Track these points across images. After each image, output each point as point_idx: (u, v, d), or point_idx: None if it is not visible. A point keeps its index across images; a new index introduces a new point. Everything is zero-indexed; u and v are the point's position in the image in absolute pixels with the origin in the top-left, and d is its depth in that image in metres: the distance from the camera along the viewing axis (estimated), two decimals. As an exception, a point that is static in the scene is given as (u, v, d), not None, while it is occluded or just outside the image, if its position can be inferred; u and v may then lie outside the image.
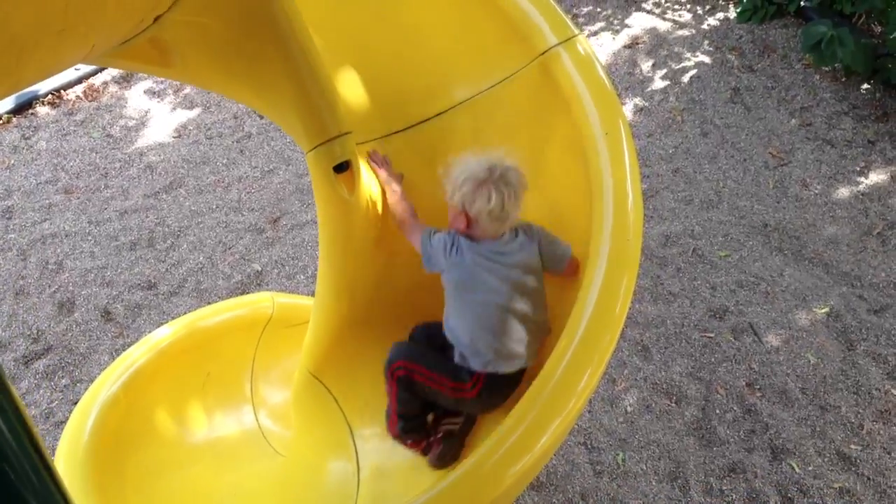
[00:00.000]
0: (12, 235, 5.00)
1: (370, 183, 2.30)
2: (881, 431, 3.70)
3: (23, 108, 6.07)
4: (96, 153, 5.68)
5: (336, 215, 2.20)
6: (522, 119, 2.43)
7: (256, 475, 2.95)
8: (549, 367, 1.94)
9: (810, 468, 3.60)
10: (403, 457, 2.41)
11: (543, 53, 2.26)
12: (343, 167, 2.16)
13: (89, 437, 2.70)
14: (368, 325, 2.53)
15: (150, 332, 3.41)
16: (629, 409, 3.91)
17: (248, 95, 2.13)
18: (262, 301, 3.43)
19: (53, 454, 2.79)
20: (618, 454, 3.74)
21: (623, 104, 5.60)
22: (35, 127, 5.94)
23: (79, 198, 5.29)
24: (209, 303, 4.52)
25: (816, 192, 4.90)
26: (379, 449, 2.48)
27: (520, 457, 1.87)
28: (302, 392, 2.66)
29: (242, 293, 4.55)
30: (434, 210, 2.36)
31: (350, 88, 2.44)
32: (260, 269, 4.69)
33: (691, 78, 5.84)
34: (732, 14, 6.47)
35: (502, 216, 2.15)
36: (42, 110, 6.11)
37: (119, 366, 3.00)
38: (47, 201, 5.26)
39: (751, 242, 4.63)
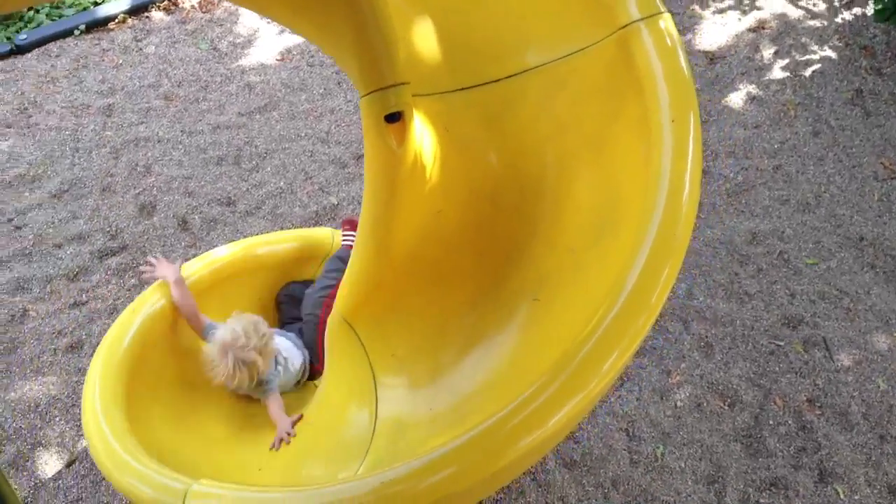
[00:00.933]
0: (109, 133, 5.16)
1: (423, 138, 2.26)
2: (942, 473, 3.52)
3: (139, 10, 6.22)
4: (200, 65, 5.79)
5: (382, 165, 2.19)
6: (594, 92, 2.34)
7: (288, 404, 3.00)
8: (577, 342, 1.89)
9: (856, 497, 3.45)
10: (421, 412, 2.41)
11: (624, 27, 2.16)
12: (395, 117, 2.13)
13: (130, 342, 2.78)
14: (407, 279, 2.52)
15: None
16: (679, 403, 3.81)
17: (310, 30, 2.11)
18: (322, 235, 3.45)
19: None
20: (658, 447, 3.66)
21: (736, 90, 5.39)
22: (148, 30, 6.09)
23: (177, 106, 5.41)
24: (283, 227, 4.59)
25: (924, 211, 4.63)
26: (399, 400, 2.49)
27: (534, 429, 1.84)
28: (334, 335, 2.68)
29: (316, 224, 4.59)
30: (486, 171, 2.32)
31: (422, 39, 2.40)
32: (336, 202, 4.73)
33: (813, 73, 5.55)
34: (870, 11, 6.10)
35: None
36: (156, 15, 6.25)
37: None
38: (147, 105, 5.40)
39: (842, 254, 4.42)
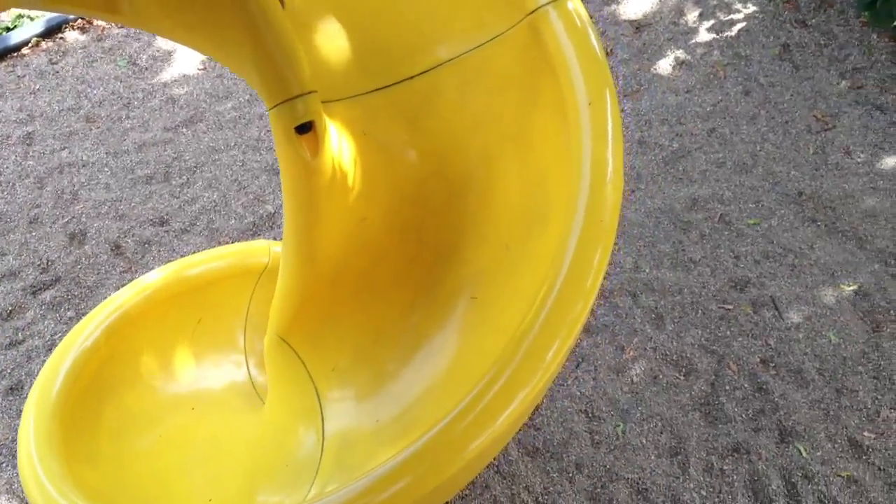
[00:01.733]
0: (31, 162, 5.02)
1: (340, 145, 2.21)
2: (898, 420, 3.57)
3: (52, 31, 6.05)
4: (121, 82, 5.66)
5: (298, 178, 2.13)
6: (510, 82, 2.30)
7: (236, 428, 2.94)
8: (517, 336, 1.86)
9: (818, 454, 3.48)
10: (367, 424, 2.36)
11: (533, 12, 2.12)
12: (306, 128, 2.07)
13: (64, 380, 2.70)
14: (337, 290, 2.47)
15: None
16: (636, 379, 3.82)
17: (207, 47, 2.04)
18: (258, 249, 3.38)
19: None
20: (618, 425, 3.66)
21: (664, 56, 5.40)
22: (63, 52, 5.93)
23: (99, 127, 5.28)
24: (220, 242, 4.51)
25: (859, 160, 4.67)
26: (345, 414, 2.44)
27: (484, 429, 1.80)
28: (272, 353, 2.62)
29: (254, 235, 4.52)
30: (410, 173, 2.27)
31: (329, 42, 2.34)
32: (273, 210, 4.65)
33: (739, 31, 5.57)
34: (790, -36, 6.15)
35: None
36: (71, 35, 6.09)
37: (104, 309, 2.98)
38: (68, 129, 5.26)
39: (783, 211, 4.45)
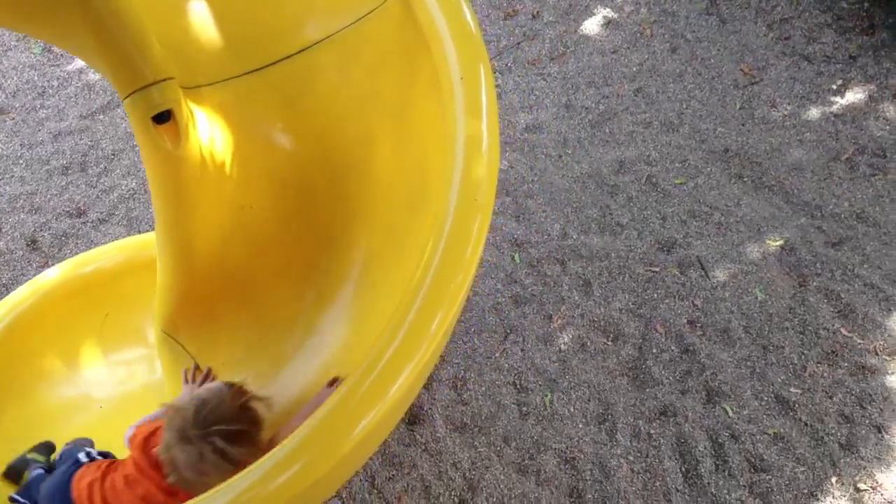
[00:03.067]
0: (-58, 159, 4.92)
1: (212, 132, 2.18)
2: (825, 374, 3.61)
3: (-39, 20, 5.91)
4: (35, 70, 5.55)
5: (161, 169, 2.10)
6: (388, 59, 2.29)
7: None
8: (398, 314, 1.87)
9: (745, 412, 3.53)
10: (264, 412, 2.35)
11: None
12: (165, 117, 2.03)
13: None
14: (220, 282, 2.44)
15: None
16: (563, 347, 3.84)
17: (51, 37, 2.00)
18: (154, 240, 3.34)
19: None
20: (546, 395, 3.69)
21: (591, 16, 5.38)
22: (-27, 41, 5.81)
23: (13, 118, 5.19)
24: (140, 231, 4.46)
25: (785, 113, 4.70)
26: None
27: (374, 405, 1.81)
28: (161, 350, 2.60)
29: (175, 221, 4.47)
30: (291, 158, 2.25)
31: (196, 23, 2.29)
32: (193, 195, 4.60)
33: (666, -14, 5.56)
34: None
35: None
36: (-19, 23, 5.95)
37: None
38: (-20, 122, 5.16)
39: (709, 169, 4.47)
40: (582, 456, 3.47)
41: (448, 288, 1.85)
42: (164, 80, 2.00)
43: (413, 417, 3.70)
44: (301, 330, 2.43)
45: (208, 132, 2.17)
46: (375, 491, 3.49)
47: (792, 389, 3.58)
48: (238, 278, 2.44)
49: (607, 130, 4.75)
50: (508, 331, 3.94)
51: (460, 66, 2.04)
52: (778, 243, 4.09)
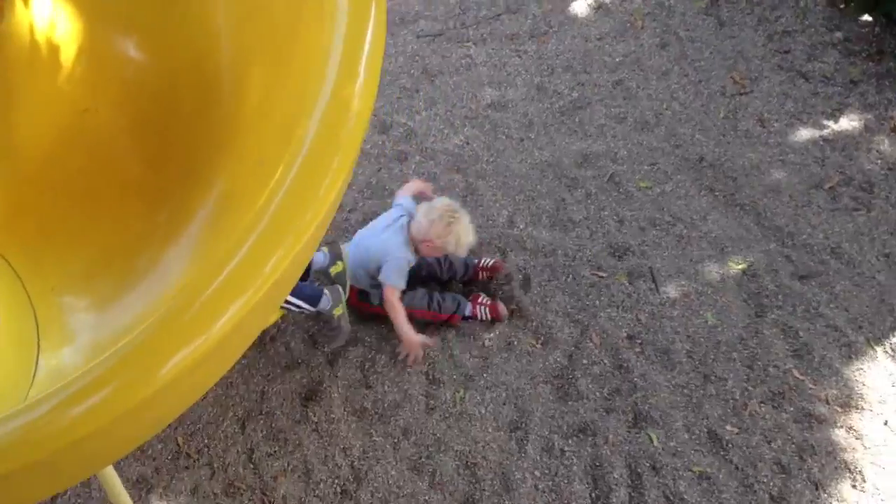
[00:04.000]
0: None
1: (49, 15, 1.82)
2: (767, 416, 3.29)
3: None
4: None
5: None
6: None
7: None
8: (237, 243, 1.55)
9: (672, 444, 3.21)
10: (83, 352, 2.02)
11: None
12: None
13: None
14: (55, 194, 2.09)
15: None
16: (487, 342, 3.52)
17: None
18: None
19: None
20: (459, 391, 3.36)
21: (579, -2, 5.05)
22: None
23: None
24: None
25: (772, 129, 4.38)
26: (61, 341, 2.08)
27: (194, 336, 1.50)
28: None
29: None
30: (155, 68, 1.91)
31: None
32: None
33: (667, -21, 5.23)
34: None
35: None
36: None
37: None
38: None
39: (679, 177, 4.15)
40: (485, 463, 3.15)
41: (291, 225, 1.52)
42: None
43: (309, 393, 3.39)
44: (147, 257, 2.10)
45: (49, 13, 1.81)
46: (252, 465, 3.18)
47: (728, 427, 3.25)
48: (77, 190, 2.09)
49: (577, 120, 4.43)
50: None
51: None
52: (740, 266, 3.77)
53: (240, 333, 1.64)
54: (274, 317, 3.24)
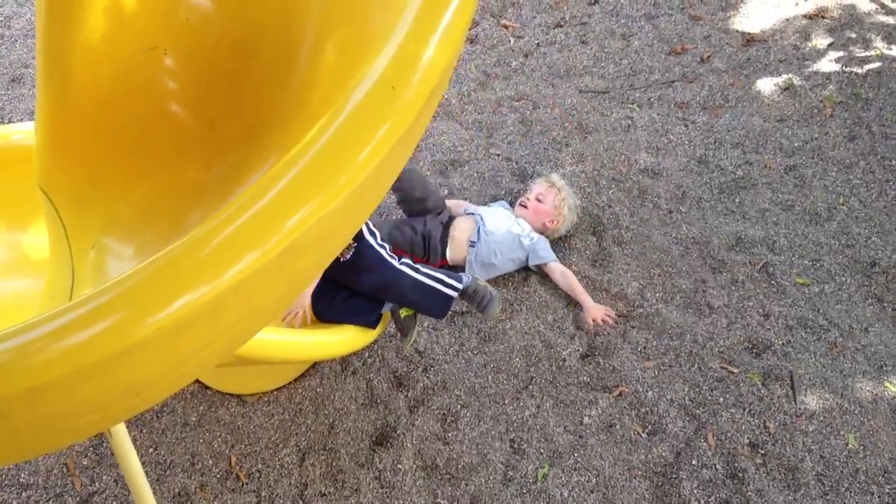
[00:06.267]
0: None
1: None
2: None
3: None
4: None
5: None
6: None
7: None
8: (253, 194, 1.40)
9: (780, 575, 2.80)
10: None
11: None
12: None
13: None
14: (106, 137, 2.00)
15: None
16: (586, 420, 3.24)
17: None
18: None
19: None
20: (543, 467, 3.08)
21: (769, 75, 4.78)
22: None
23: None
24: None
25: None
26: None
27: (199, 283, 1.35)
28: (43, 205, 2.16)
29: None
30: (236, 13, 1.82)
31: None
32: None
33: (869, 71, 4.84)
34: (958, 13, 5.37)
35: None
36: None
37: None
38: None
39: (844, 278, 3.74)
40: (552, 554, 2.84)
41: (319, 186, 1.35)
42: None
43: (381, 437, 3.20)
44: (197, 215, 1.97)
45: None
46: (301, 503, 2.98)
47: (850, 570, 2.82)
48: (131, 139, 2.00)
49: (737, 200, 4.11)
50: (531, 381, 3.36)
51: None
52: (898, 390, 3.33)
53: (249, 301, 1.47)
54: (372, 335, 3.06)
